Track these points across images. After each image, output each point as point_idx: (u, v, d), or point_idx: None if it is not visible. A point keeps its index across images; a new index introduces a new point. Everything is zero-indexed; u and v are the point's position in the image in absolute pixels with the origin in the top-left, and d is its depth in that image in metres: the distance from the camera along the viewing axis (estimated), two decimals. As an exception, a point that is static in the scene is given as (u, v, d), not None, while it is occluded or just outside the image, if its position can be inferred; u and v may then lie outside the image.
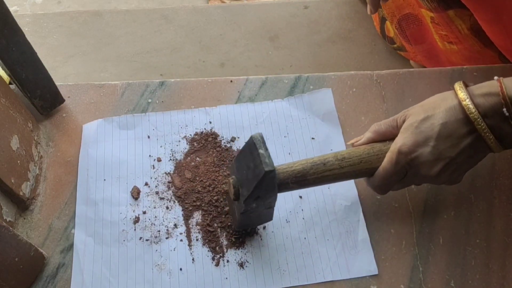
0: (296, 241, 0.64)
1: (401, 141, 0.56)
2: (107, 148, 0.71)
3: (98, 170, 0.70)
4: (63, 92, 0.75)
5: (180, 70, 1.03)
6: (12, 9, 0.82)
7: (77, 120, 0.75)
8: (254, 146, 0.56)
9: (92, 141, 0.72)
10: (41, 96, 0.72)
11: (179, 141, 0.72)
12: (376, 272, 0.61)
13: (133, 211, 0.67)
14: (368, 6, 0.75)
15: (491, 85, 0.53)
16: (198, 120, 0.74)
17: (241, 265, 0.62)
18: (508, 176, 0.68)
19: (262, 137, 0.56)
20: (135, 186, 0.68)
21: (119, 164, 0.70)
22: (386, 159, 0.58)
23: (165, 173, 0.69)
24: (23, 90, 0.71)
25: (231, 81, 0.78)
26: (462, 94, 0.54)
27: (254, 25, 1.08)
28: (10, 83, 0.76)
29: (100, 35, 1.07)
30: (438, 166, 0.55)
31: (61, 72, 1.02)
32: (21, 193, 0.65)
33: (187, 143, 0.72)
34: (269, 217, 0.63)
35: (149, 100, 0.77)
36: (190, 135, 0.73)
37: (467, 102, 0.53)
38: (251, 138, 0.57)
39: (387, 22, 0.96)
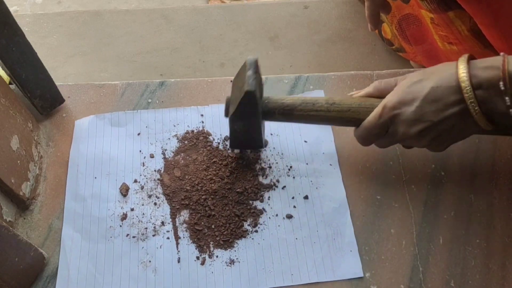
0: (283, 241, 0.64)
1: (389, 97, 0.58)
2: (98, 144, 0.72)
3: (88, 166, 0.70)
4: (63, 92, 0.75)
5: (180, 70, 1.03)
6: (12, 9, 0.82)
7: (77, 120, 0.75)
8: (245, 68, 0.61)
9: (83, 137, 0.72)
10: (41, 96, 0.72)
11: (170, 139, 0.72)
12: (361, 275, 0.61)
13: (121, 207, 0.67)
14: (369, 25, 0.75)
15: (495, 60, 0.53)
16: (190, 118, 0.74)
17: (227, 264, 0.62)
18: (508, 176, 0.68)
19: (255, 62, 0.61)
20: (124, 183, 0.68)
21: (109, 161, 0.70)
22: (373, 112, 0.60)
23: (155, 170, 0.70)
24: (23, 90, 0.71)
25: (231, 81, 0.78)
26: (462, 64, 0.54)
27: (254, 25, 1.08)
28: (10, 83, 0.76)
29: (100, 35, 1.07)
30: (417, 127, 0.56)
31: (61, 72, 1.02)
32: (21, 193, 0.65)
33: (177, 141, 0.72)
34: (259, 143, 0.67)
35: (149, 100, 0.77)
36: (181, 133, 0.73)
37: (462, 71, 0.53)
38: (247, 60, 0.61)
39: (384, 24, 0.96)
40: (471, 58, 0.55)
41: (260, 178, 0.68)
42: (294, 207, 0.66)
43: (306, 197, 0.67)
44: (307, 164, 0.69)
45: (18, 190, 0.65)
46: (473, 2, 0.68)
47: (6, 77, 0.76)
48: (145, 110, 0.75)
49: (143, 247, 0.64)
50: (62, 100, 0.76)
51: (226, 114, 0.64)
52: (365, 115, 0.60)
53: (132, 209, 0.66)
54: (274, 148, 0.71)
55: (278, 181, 0.68)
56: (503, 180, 0.67)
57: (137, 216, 0.66)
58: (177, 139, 0.72)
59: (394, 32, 0.94)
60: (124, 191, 0.68)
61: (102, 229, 0.65)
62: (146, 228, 0.65)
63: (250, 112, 0.61)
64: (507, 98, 0.51)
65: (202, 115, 0.74)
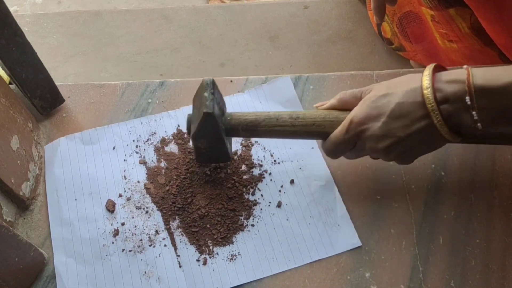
0: (280, 228, 0.65)
1: (355, 111, 0.57)
2: (74, 165, 0.70)
3: (68, 189, 0.68)
4: (63, 92, 0.75)
5: (180, 70, 1.03)
6: (12, 9, 0.82)
7: (77, 120, 0.75)
8: (202, 89, 0.61)
9: (57, 160, 0.71)
10: (41, 96, 0.72)
11: (147, 148, 0.72)
12: (360, 244, 0.63)
13: (111, 224, 0.66)
14: (375, 17, 0.74)
15: (460, 73, 0.52)
16: (163, 124, 0.73)
17: (229, 260, 0.63)
18: (508, 176, 0.68)
19: (212, 82, 0.61)
20: (109, 199, 0.67)
21: (89, 180, 0.69)
22: (339, 127, 0.59)
23: (138, 181, 0.69)
24: (23, 90, 0.71)
25: (231, 81, 0.78)
26: (426, 78, 0.53)
27: (254, 25, 1.08)
28: (10, 83, 0.76)
29: (100, 35, 1.07)
30: (384, 142, 0.56)
31: (61, 72, 1.02)
32: (21, 193, 0.65)
33: (155, 149, 0.71)
34: (226, 158, 0.66)
35: (149, 100, 0.77)
36: (158, 140, 0.72)
37: (426, 86, 0.52)
38: (202, 81, 0.61)
39: (384, 23, 0.96)
40: (437, 69, 0.55)
41: (249, 171, 0.69)
42: (284, 193, 0.67)
43: (292, 182, 0.68)
44: (290, 148, 0.70)
45: (18, 190, 0.65)
46: None
47: (6, 77, 0.76)
48: (116, 124, 0.74)
49: (142, 259, 0.63)
50: (62, 100, 0.76)
51: (188, 133, 0.64)
52: (330, 128, 0.60)
53: (123, 224, 0.66)
54: (259, 144, 0.71)
55: (266, 171, 0.69)
56: (503, 180, 0.67)
57: (129, 230, 0.65)
58: (155, 146, 0.72)
59: (395, 30, 0.94)
60: (111, 207, 0.67)
61: (95, 249, 0.64)
62: (141, 240, 0.64)
63: (211, 131, 0.61)
64: (474, 112, 0.51)
65: (174, 119, 0.74)
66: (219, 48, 1.05)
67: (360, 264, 0.62)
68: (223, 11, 1.11)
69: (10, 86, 0.72)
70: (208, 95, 0.59)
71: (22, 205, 0.67)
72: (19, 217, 0.67)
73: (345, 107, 0.61)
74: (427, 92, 0.52)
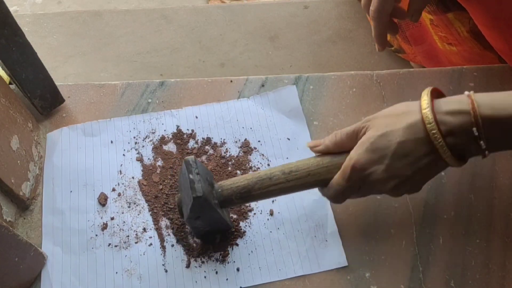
0: (267, 238, 0.64)
1: (356, 157, 0.54)
2: (72, 156, 0.71)
3: (64, 178, 0.69)
4: (63, 92, 0.75)
5: (180, 70, 1.03)
6: (12, 9, 0.82)
7: (77, 120, 0.75)
8: (186, 170, 0.57)
9: (56, 149, 0.71)
10: (41, 96, 0.72)
11: (146, 145, 0.72)
12: (346, 264, 0.62)
13: (101, 217, 0.66)
14: (376, 45, 0.71)
15: (461, 102, 0.50)
16: (164, 123, 0.74)
17: (214, 265, 0.62)
18: (508, 176, 0.68)
19: (194, 161, 0.58)
20: (102, 192, 0.68)
21: (85, 171, 0.69)
22: (339, 173, 0.56)
23: (132, 177, 0.69)
24: (23, 90, 0.71)
25: (231, 81, 0.78)
26: (426, 111, 0.50)
27: (254, 25, 1.08)
28: (10, 83, 0.76)
29: (100, 35, 1.07)
30: (392, 183, 0.54)
31: (61, 72, 1.02)
32: (21, 193, 0.65)
33: (154, 147, 0.72)
34: (226, 227, 0.63)
35: (149, 100, 0.77)
36: (157, 138, 0.72)
37: (428, 120, 0.50)
38: (184, 161, 0.58)
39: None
40: (434, 94, 0.52)
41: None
42: (277, 203, 0.66)
43: None
44: (287, 158, 0.70)
45: (18, 190, 0.65)
46: (473, 3, 0.68)
47: (6, 77, 0.76)
48: (119, 118, 0.74)
49: (126, 255, 0.63)
50: (62, 100, 0.76)
51: (181, 216, 0.61)
52: (327, 174, 0.58)
53: (112, 218, 0.66)
54: (257, 150, 0.71)
55: None
56: (503, 180, 0.67)
57: (117, 225, 0.65)
58: (153, 144, 0.72)
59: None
60: (103, 200, 0.67)
61: (82, 240, 0.64)
62: (128, 236, 0.65)
63: (205, 212, 0.58)
64: (482, 142, 0.49)
65: (176, 119, 0.74)
66: (219, 48, 1.05)
67: (360, 264, 0.62)
68: (223, 11, 1.11)
69: (10, 86, 0.72)
70: (194, 176, 0.56)
71: (22, 205, 0.67)
72: (19, 217, 0.67)
73: (341, 149, 0.58)
74: (431, 127, 0.50)
